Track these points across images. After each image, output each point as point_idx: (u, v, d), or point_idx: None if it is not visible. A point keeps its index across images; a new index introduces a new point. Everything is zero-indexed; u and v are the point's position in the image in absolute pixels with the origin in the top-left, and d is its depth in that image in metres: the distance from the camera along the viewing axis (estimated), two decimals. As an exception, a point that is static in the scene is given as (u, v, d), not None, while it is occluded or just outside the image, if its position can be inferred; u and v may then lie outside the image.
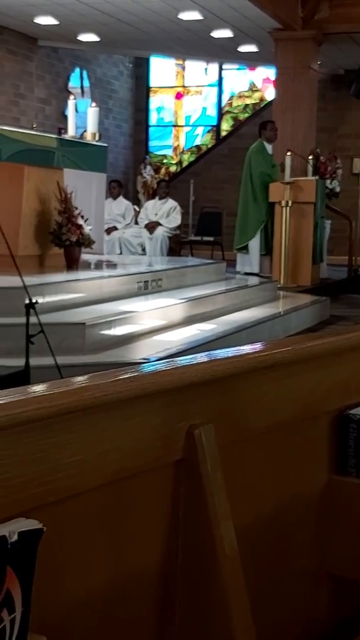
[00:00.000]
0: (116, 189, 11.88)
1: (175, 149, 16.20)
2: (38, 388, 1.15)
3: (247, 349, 1.48)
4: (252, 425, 1.46)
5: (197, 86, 15.96)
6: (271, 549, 1.57)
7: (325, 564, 1.68)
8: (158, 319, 6.79)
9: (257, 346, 1.50)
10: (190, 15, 11.07)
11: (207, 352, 1.39)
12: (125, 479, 1.22)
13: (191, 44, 12.87)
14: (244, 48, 12.90)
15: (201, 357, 1.36)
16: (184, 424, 1.30)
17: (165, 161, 16.26)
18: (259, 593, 1.52)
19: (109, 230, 11.21)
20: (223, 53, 13.45)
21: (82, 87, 14.50)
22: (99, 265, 8.21)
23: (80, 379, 1.22)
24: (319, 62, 12.18)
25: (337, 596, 1.71)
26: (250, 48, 12.85)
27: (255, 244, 10.54)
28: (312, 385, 1.61)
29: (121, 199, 12.23)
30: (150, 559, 1.29)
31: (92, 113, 8.30)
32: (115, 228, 11.66)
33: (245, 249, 10.64)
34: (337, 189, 11.86)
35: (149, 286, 7.70)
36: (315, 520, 1.67)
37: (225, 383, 1.37)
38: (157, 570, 1.30)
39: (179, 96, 16.09)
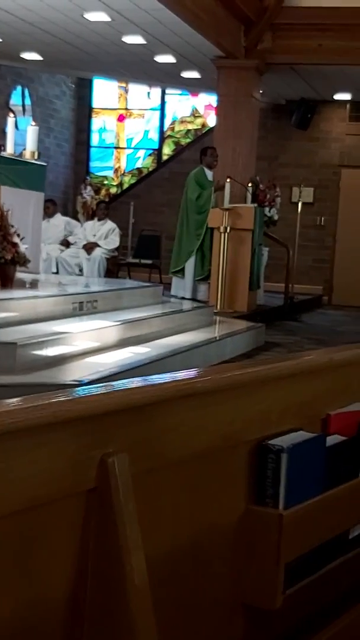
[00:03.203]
0: (50, 207, 11.83)
1: (116, 170, 16.23)
2: None
3: (166, 377, 1.47)
4: (169, 454, 1.45)
5: (140, 109, 16.04)
6: (186, 579, 1.55)
7: (240, 595, 1.67)
8: (92, 340, 6.76)
9: (177, 375, 1.49)
10: (134, 39, 11.13)
11: (124, 380, 1.38)
12: (35, 507, 1.19)
13: (134, 68, 12.94)
14: (187, 74, 13.01)
15: (118, 385, 1.35)
16: (98, 452, 1.28)
17: (105, 182, 16.27)
18: (172, 624, 1.51)
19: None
20: (166, 78, 13.55)
21: (23, 105, 14.44)
22: (34, 285, 8.14)
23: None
24: (260, 91, 12.34)
25: (251, 627, 1.70)
26: (193, 74, 12.97)
27: (189, 269, 10.62)
28: (232, 415, 1.61)
29: (58, 216, 12.20)
30: (58, 589, 1.27)
31: (31, 131, 8.26)
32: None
33: (181, 272, 10.70)
34: (276, 217, 12.01)
35: (84, 307, 7.66)
36: (231, 550, 1.66)
37: (142, 412, 1.35)
38: (65, 600, 1.27)
39: (121, 118, 16.14)
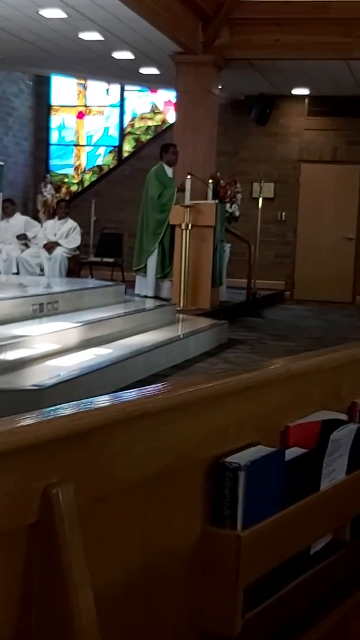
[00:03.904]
0: (9, 207, 11.68)
1: (76, 168, 16.08)
2: None
3: (113, 398, 1.39)
4: (119, 479, 1.37)
5: (99, 106, 15.90)
6: (139, 608, 1.48)
7: (197, 620, 1.60)
8: (52, 343, 6.66)
9: (125, 395, 1.42)
10: (91, 35, 11.01)
11: (69, 403, 1.30)
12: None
13: (92, 64, 12.82)
14: (145, 70, 12.92)
15: (61, 410, 1.27)
16: (40, 483, 1.20)
17: (66, 180, 16.11)
18: (126, 656, 1.43)
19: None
20: (124, 74, 13.44)
21: (-20, 104, 14.25)
22: (-8, 287, 8.01)
23: None
24: (219, 87, 12.28)
25: (209, 655, 1.64)
26: (152, 70, 12.87)
27: (151, 267, 10.53)
28: (185, 433, 1.54)
29: (18, 215, 12.04)
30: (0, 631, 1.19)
31: (-13, 131, 8.12)
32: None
33: (143, 271, 10.62)
34: (237, 213, 11.97)
35: (44, 309, 7.56)
36: (188, 574, 1.59)
37: (88, 437, 1.28)
38: (8, 644, 1.19)
39: (80, 115, 15.99)
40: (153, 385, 1.50)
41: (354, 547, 2.06)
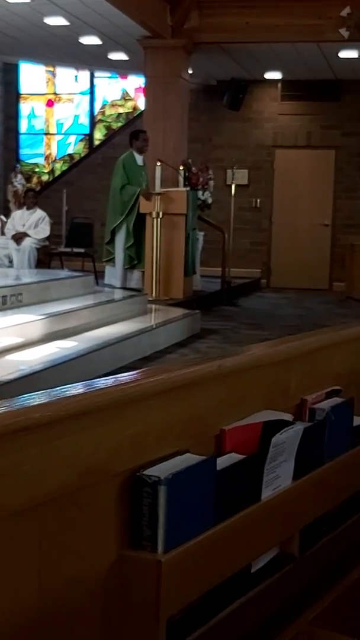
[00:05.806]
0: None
1: (47, 157, 15.78)
2: None
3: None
4: (2, 504, 1.15)
5: (69, 94, 15.60)
6: (40, 652, 1.26)
7: (113, 660, 1.39)
8: (14, 336, 6.42)
9: (6, 404, 1.19)
10: (56, 20, 10.73)
11: None
12: None
13: (59, 50, 12.53)
14: (114, 56, 12.64)
15: None
16: None
17: (36, 170, 15.81)
18: None
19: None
20: (93, 60, 13.16)
21: None
22: None
23: None
24: (190, 72, 12.03)
25: None
26: (120, 56, 12.60)
27: (119, 257, 10.30)
28: (92, 444, 1.31)
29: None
30: None
31: None
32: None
33: (112, 261, 10.40)
34: (210, 200, 11.75)
35: (7, 301, 7.31)
36: (100, 607, 1.37)
37: None
38: None
39: (50, 104, 15.69)
40: (49, 390, 1.28)
41: (303, 562, 1.85)
